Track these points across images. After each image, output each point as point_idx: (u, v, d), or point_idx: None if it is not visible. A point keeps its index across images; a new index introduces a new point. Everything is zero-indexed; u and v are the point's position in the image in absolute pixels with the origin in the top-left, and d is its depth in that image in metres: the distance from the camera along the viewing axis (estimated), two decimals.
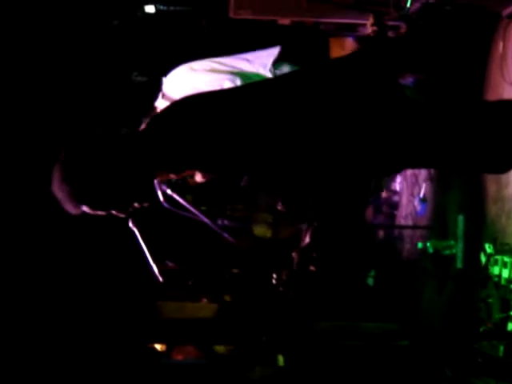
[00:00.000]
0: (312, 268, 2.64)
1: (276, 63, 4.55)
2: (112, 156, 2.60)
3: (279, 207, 3.03)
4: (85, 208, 2.60)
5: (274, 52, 4.59)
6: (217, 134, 2.61)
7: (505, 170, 3.06)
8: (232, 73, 4.53)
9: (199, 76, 4.59)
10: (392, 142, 2.71)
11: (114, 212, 2.68)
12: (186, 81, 4.62)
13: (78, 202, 2.58)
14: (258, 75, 4.58)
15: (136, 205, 2.72)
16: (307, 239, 2.66)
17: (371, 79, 2.77)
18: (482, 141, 2.79)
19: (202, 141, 2.60)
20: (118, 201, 2.65)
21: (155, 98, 4.75)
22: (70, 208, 2.61)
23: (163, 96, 4.68)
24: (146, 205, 2.75)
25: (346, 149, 2.66)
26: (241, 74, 4.55)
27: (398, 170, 2.93)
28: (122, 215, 2.72)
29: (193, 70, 4.64)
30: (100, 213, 2.65)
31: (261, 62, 4.58)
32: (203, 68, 4.61)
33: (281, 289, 2.64)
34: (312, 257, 2.64)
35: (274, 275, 2.66)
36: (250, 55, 4.65)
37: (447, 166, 3.36)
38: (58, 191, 2.59)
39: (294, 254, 2.67)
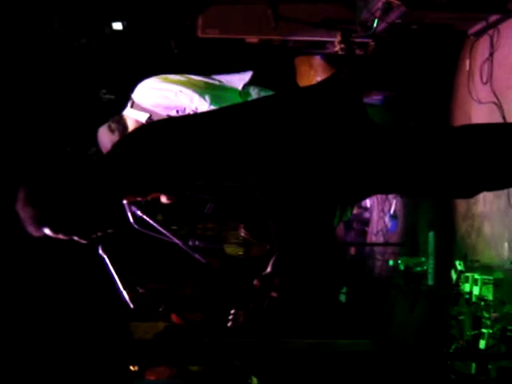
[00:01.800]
0: (274, 294, 2.64)
1: (245, 86, 4.62)
2: (78, 178, 2.58)
3: (242, 234, 3.03)
4: (46, 230, 2.57)
5: (245, 77, 4.67)
6: (182, 159, 2.61)
7: (470, 196, 3.08)
8: (204, 88, 4.58)
9: (171, 86, 4.62)
10: (357, 168, 2.72)
11: (75, 238, 2.65)
12: (157, 89, 4.66)
13: (40, 223, 2.54)
14: (230, 90, 4.63)
15: (99, 233, 2.69)
16: (269, 268, 2.66)
17: (339, 106, 2.78)
18: (448, 166, 2.80)
19: (166, 165, 2.60)
20: (82, 225, 2.62)
21: (123, 108, 4.76)
22: (32, 229, 2.57)
23: (132, 105, 4.70)
24: (110, 231, 2.73)
25: (311, 175, 2.67)
26: (212, 91, 4.59)
27: (365, 195, 2.94)
28: (84, 241, 2.69)
29: (165, 80, 4.68)
30: (61, 236, 2.61)
31: (232, 86, 4.66)
32: (176, 80, 4.65)
33: (237, 332, 2.65)
34: (273, 284, 2.64)
35: (231, 317, 2.65)
36: (222, 77, 4.72)
37: (413, 192, 3.37)
38: (21, 211, 2.55)
39: (255, 282, 2.67)
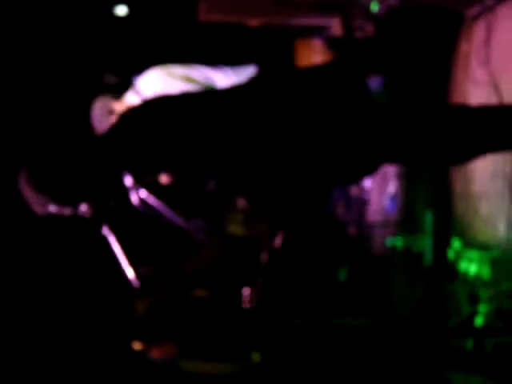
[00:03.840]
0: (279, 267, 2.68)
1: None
2: (79, 154, 2.63)
3: (243, 204, 3.04)
4: (51, 207, 2.59)
5: (250, 71, 4.69)
6: (184, 137, 2.66)
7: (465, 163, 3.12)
8: (204, 87, 4.61)
9: (174, 83, 4.64)
10: (361, 145, 2.75)
11: (82, 209, 2.64)
12: (161, 85, 4.68)
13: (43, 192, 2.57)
14: None
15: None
16: (278, 242, 2.69)
17: (340, 86, 2.81)
18: (445, 138, 2.84)
19: (167, 143, 2.65)
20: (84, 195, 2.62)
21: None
22: (37, 207, 2.60)
23: (136, 92, 4.72)
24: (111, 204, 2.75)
25: (317, 154, 2.69)
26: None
27: (372, 170, 2.96)
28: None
29: (170, 75, 4.70)
30: (66, 211, 2.61)
31: (236, 79, 4.67)
32: (180, 75, 4.67)
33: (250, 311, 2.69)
34: (280, 257, 2.67)
35: (246, 297, 2.69)
36: (228, 70, 4.74)
37: (412, 162, 3.41)
38: (25, 189, 2.58)
39: (263, 256, 2.69)
